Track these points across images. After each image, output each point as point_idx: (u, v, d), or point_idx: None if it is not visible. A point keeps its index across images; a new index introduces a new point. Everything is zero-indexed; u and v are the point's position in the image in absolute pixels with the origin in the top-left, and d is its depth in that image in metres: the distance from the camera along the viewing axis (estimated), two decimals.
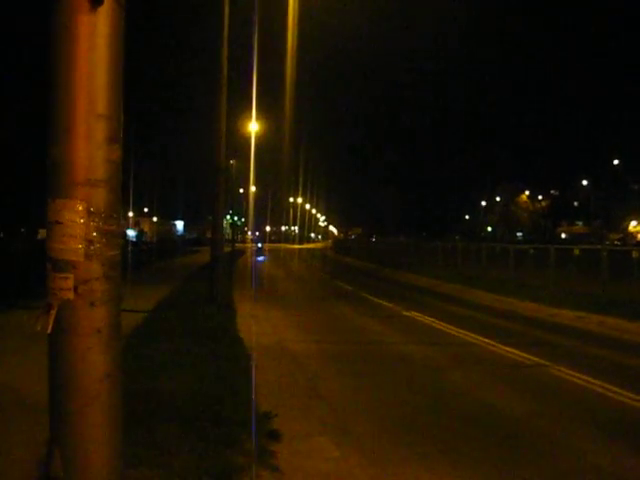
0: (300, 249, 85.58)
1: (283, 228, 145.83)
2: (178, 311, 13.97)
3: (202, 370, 8.41)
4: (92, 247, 2.50)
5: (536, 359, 10.90)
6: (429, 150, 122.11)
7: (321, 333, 13.83)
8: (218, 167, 16.02)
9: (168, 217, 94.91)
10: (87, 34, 2.49)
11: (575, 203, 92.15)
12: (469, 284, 25.16)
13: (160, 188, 72.22)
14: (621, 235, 75.35)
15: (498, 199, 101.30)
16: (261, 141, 43.08)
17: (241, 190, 66.40)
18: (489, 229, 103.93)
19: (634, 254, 18.81)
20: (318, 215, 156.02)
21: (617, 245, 55.58)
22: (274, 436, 6.17)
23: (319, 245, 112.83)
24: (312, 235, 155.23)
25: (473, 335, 13.37)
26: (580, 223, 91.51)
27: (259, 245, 62.98)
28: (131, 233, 69.25)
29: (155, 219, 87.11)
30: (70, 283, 2.47)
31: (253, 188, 58.92)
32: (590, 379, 9.34)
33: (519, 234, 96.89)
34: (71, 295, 2.47)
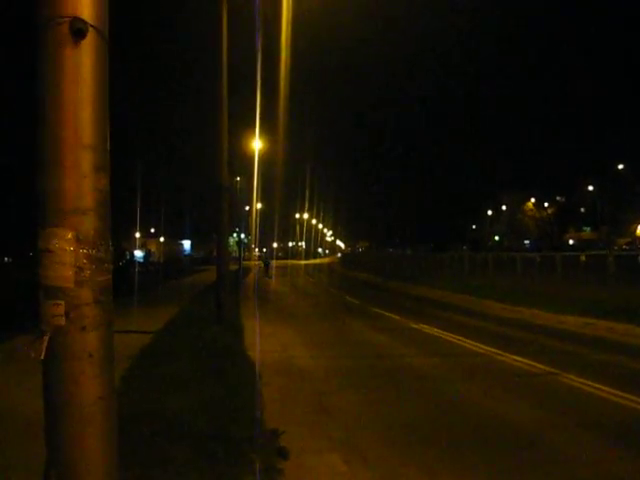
0: (307, 264, 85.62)
1: (290, 244, 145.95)
2: (186, 331, 13.98)
3: (210, 389, 8.41)
4: (82, 274, 2.55)
5: (545, 367, 10.85)
6: (434, 161, 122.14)
7: (329, 348, 13.81)
8: (221, 186, 16.07)
9: (175, 237, 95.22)
10: (71, 67, 2.55)
11: (582, 209, 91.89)
12: (477, 294, 25.13)
13: (167, 208, 72.60)
14: (629, 239, 75.08)
15: (504, 208, 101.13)
16: (266, 158, 43.29)
17: (247, 207, 66.60)
18: (496, 238, 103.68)
19: None
20: (325, 230, 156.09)
21: (625, 249, 55.40)
22: (282, 453, 6.16)
23: (326, 260, 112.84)
24: (319, 250, 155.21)
25: (481, 345, 13.34)
26: (588, 229, 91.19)
27: (266, 263, 53.37)
28: (138, 254, 69.45)
29: (162, 239, 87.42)
30: (61, 309, 2.52)
31: (259, 205, 59.06)
32: (601, 386, 9.30)
33: (526, 242, 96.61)
34: (63, 321, 2.52)
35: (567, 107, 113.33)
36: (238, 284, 31.11)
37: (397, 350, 13.66)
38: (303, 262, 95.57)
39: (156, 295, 28.44)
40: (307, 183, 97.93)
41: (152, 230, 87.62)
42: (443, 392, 9.43)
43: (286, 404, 8.48)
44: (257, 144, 38.51)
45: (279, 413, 7.82)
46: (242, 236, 58.81)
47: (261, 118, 29.67)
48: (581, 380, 9.75)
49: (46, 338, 2.47)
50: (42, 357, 2.49)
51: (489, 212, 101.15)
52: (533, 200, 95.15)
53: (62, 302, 2.52)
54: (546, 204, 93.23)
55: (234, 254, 59.11)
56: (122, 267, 35.46)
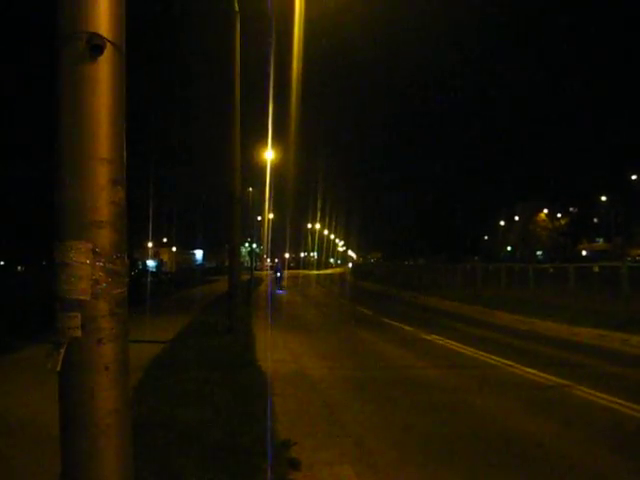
0: (318, 274, 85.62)
1: (302, 254, 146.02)
2: (197, 341, 14.01)
3: (221, 399, 8.42)
4: (98, 286, 2.58)
5: (558, 380, 10.78)
6: (447, 171, 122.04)
7: (340, 359, 13.79)
8: (233, 196, 16.15)
9: (187, 247, 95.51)
10: (89, 82, 2.59)
11: (595, 220, 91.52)
12: (489, 305, 25.02)
13: (179, 218, 72.89)
14: None
15: (517, 218, 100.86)
16: (278, 168, 43.43)
17: (259, 218, 66.80)
18: (509, 249, 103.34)
19: None
20: (337, 240, 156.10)
21: (639, 260, 55.02)
22: (294, 464, 6.15)
23: (338, 270, 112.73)
24: (331, 260, 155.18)
25: (494, 357, 13.27)
26: (600, 240, 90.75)
27: (278, 274, 49.06)
28: (151, 263, 69.68)
29: (174, 249, 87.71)
30: (77, 321, 2.55)
31: (271, 215, 59.16)
32: (614, 399, 9.22)
33: (539, 253, 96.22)
34: (79, 333, 2.55)
35: (582, 119, 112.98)
36: (250, 294, 31.14)
37: (409, 361, 13.63)
38: (315, 272, 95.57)
39: (168, 304, 28.52)
40: (319, 193, 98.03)
41: (164, 240, 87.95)
42: (456, 404, 9.38)
43: (298, 415, 8.45)
44: (269, 154, 38.67)
45: (291, 424, 7.80)
46: (254, 246, 58.92)
47: (273, 129, 29.80)
48: (595, 392, 9.68)
49: (62, 350, 2.50)
50: (58, 369, 2.52)
51: (502, 223, 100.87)
52: (546, 211, 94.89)
53: (78, 314, 2.54)
54: (559, 215, 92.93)
55: (246, 264, 59.17)
56: (134, 277, 35.61)
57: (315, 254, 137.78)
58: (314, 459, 6.47)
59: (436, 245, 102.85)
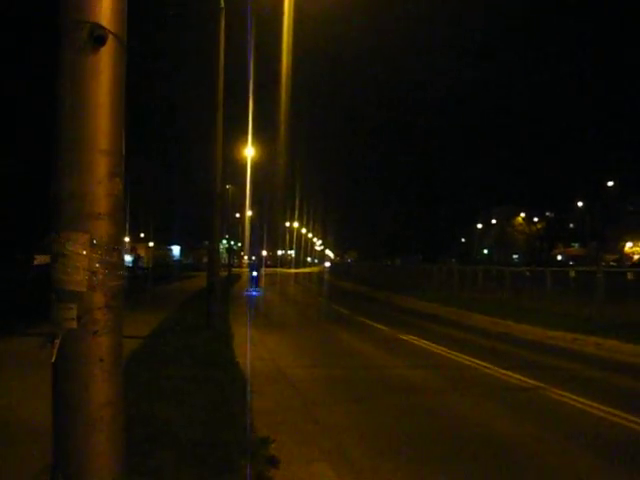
0: (297, 273, 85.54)
1: (279, 252, 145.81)
2: (175, 337, 13.95)
3: (199, 396, 8.40)
4: (95, 278, 2.57)
5: (534, 382, 10.89)
6: (425, 173, 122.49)
7: (318, 358, 13.82)
8: (214, 193, 16.10)
9: (164, 242, 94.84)
10: (90, 72, 2.57)
11: (571, 225, 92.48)
12: (465, 307, 25.20)
13: (156, 214, 72.35)
14: (617, 256, 75.52)
15: (494, 221, 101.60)
16: (258, 166, 43.35)
17: (237, 215, 66.54)
18: (485, 251, 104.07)
19: (629, 276, 18.85)
20: (314, 239, 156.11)
21: (613, 266, 55.73)
22: (272, 462, 6.15)
23: (315, 269, 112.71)
24: (308, 259, 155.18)
25: (470, 358, 13.37)
26: (576, 245, 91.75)
27: (254, 274, 40.87)
28: (127, 258, 69.16)
29: (151, 244, 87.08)
30: (73, 313, 2.53)
31: (249, 212, 59.02)
32: (588, 402, 9.33)
33: (515, 256, 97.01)
34: (74, 325, 2.53)
35: (558, 124, 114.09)
36: (228, 291, 31.05)
37: (386, 361, 13.69)
38: (293, 271, 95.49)
39: (145, 300, 28.30)
40: (297, 191, 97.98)
41: (141, 235, 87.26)
42: (433, 404, 9.46)
43: (276, 413, 8.45)
44: (250, 152, 38.59)
45: (269, 422, 7.79)
46: (232, 243, 58.76)
47: (258, 127, 29.80)
48: (570, 395, 9.78)
49: (57, 341, 2.48)
50: (53, 360, 2.50)
51: (479, 226, 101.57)
52: (523, 215, 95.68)
53: (74, 306, 2.53)
54: (536, 219, 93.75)
55: (224, 261, 59.00)
56: None
57: (293, 252, 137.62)
58: (293, 456, 6.49)
59: (412, 246, 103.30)
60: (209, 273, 16.85)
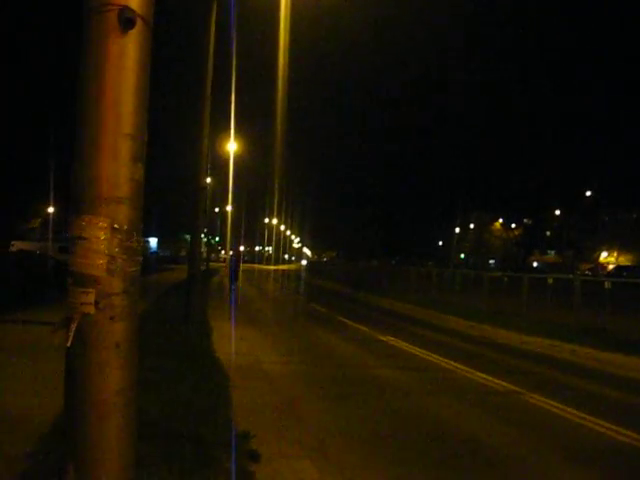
0: (275, 270, 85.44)
1: (257, 248, 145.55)
2: (153, 329, 13.84)
3: (179, 389, 8.37)
4: (114, 263, 2.54)
5: (510, 386, 10.99)
6: (405, 176, 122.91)
7: (297, 355, 13.82)
8: (197, 185, 16.01)
9: (141, 234, 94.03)
10: (117, 55, 2.55)
11: (547, 233, 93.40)
12: (443, 310, 25.33)
13: None
14: (592, 265, 76.42)
15: (472, 226, 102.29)
16: (239, 160, 43.19)
17: (216, 209, 66.22)
18: (462, 256, 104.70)
19: (606, 284, 19.07)
20: (292, 237, 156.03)
21: (588, 275, 56.37)
22: (253, 456, 6.15)
23: (293, 267, 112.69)
24: (286, 256, 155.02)
25: (447, 361, 13.45)
26: (552, 252, 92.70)
27: (233, 268, 37.39)
28: None
29: None
30: (91, 297, 2.50)
31: (229, 207, 58.80)
32: (564, 407, 9.45)
33: (491, 261, 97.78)
34: (92, 309, 2.50)
35: (537, 131, 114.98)
36: (206, 284, 30.93)
37: (364, 360, 13.73)
38: (271, 267, 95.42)
39: None
40: (276, 188, 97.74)
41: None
42: (412, 405, 9.52)
43: (255, 408, 8.45)
44: (232, 146, 38.43)
45: (249, 417, 7.78)
46: (209, 237, 58.40)
47: (236, 120, 29.68)
48: (545, 400, 9.90)
49: (74, 326, 2.44)
50: (68, 344, 2.46)
51: (457, 230, 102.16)
52: (501, 221, 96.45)
53: (92, 290, 2.49)
54: (513, 225, 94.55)
55: (204, 255, 58.65)
56: None
57: (270, 249, 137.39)
58: (273, 452, 6.49)
59: (390, 248, 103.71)
60: (190, 266, 16.77)
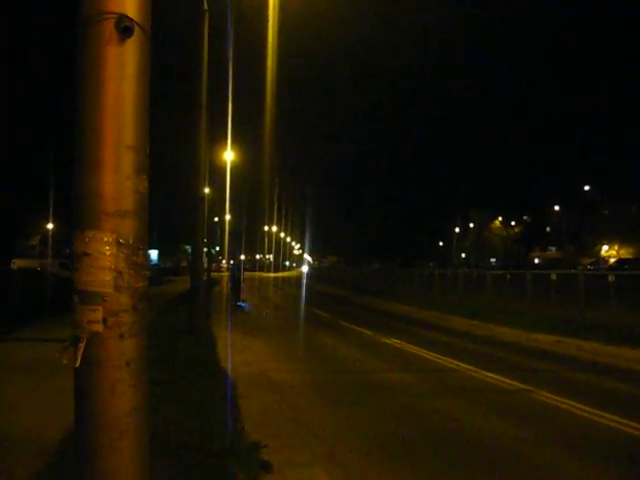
0: (275, 277, 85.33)
1: (258, 256, 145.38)
2: (158, 341, 13.77)
3: (187, 401, 8.31)
4: (121, 279, 2.47)
5: (518, 384, 10.93)
6: (404, 178, 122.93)
7: (302, 362, 13.76)
8: (197, 196, 15.98)
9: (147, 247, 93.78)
10: (115, 65, 2.49)
11: (547, 229, 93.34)
12: (447, 310, 25.27)
13: None
14: (593, 260, 76.31)
15: (472, 225, 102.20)
16: (237, 170, 43.17)
17: (216, 219, 66.14)
18: (463, 255, 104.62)
19: (610, 278, 19.02)
20: (293, 243, 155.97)
21: (590, 269, 56.30)
22: (265, 467, 6.09)
23: (294, 273, 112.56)
24: (287, 263, 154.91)
25: (454, 361, 13.40)
26: (553, 248, 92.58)
27: (235, 279, 32.84)
28: None
29: None
30: (99, 315, 2.43)
31: (228, 216, 58.76)
32: (573, 402, 9.40)
33: (493, 260, 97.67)
34: (100, 327, 2.43)
35: (536, 128, 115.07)
36: (208, 295, 30.83)
37: (371, 365, 13.67)
38: (272, 275, 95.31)
39: None
40: (276, 195, 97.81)
41: None
42: (420, 407, 9.45)
43: (264, 417, 8.39)
44: (229, 155, 38.42)
45: (258, 426, 7.71)
46: (210, 247, 58.28)
47: (234, 129, 29.67)
48: (554, 397, 9.84)
49: (82, 345, 2.37)
50: (77, 364, 2.39)
51: (457, 230, 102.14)
52: (500, 219, 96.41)
53: (99, 308, 2.43)
54: (513, 223, 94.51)
55: (205, 265, 58.37)
56: None
57: (271, 256, 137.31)
58: (285, 461, 6.43)
59: (392, 250, 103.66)
60: (192, 277, 16.72)
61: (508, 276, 27.28)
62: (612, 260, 72.07)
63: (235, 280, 32.20)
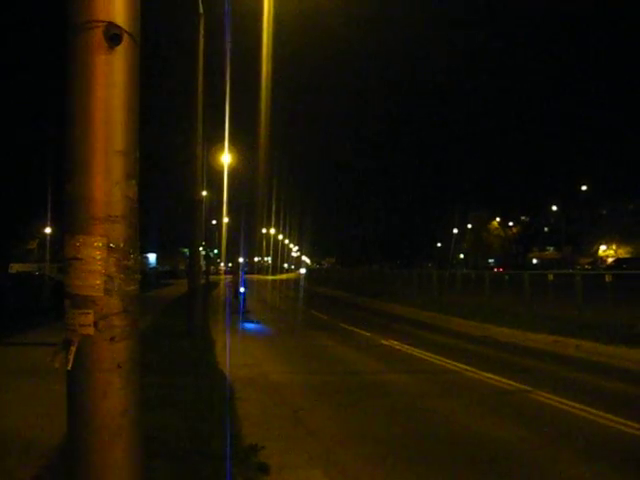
0: (274, 280, 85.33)
1: (256, 259, 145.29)
2: (156, 344, 13.81)
3: (185, 404, 8.33)
4: (112, 283, 2.49)
5: (517, 385, 10.95)
6: (402, 179, 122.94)
7: (301, 364, 13.78)
8: (194, 199, 16.01)
9: (141, 250, 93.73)
10: (104, 72, 2.51)
11: (545, 229, 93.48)
12: (445, 311, 25.29)
13: None
14: (591, 259, 76.41)
15: (470, 226, 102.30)
16: (235, 172, 43.17)
17: (214, 222, 66.18)
18: (461, 256, 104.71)
19: (607, 278, 19.04)
20: (291, 245, 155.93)
21: (587, 269, 56.37)
22: (263, 469, 6.11)
23: (292, 275, 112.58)
24: (285, 265, 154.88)
25: (452, 362, 13.42)
26: (551, 248, 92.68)
27: (241, 290, 26.74)
28: None
29: None
30: (90, 319, 2.46)
31: (226, 219, 58.77)
32: (572, 403, 9.42)
33: (491, 260, 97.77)
34: (91, 331, 2.46)
35: (534, 128, 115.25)
36: (206, 298, 30.85)
37: (369, 366, 13.68)
38: (270, 277, 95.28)
39: None
40: (274, 197, 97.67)
41: None
42: (419, 408, 9.46)
43: (263, 420, 8.40)
44: (226, 158, 38.42)
45: (256, 429, 7.74)
46: (208, 250, 58.30)
47: (231, 132, 29.68)
48: (553, 397, 9.86)
49: (74, 348, 2.39)
50: (69, 368, 2.41)
51: (455, 230, 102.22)
52: (498, 219, 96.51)
53: (91, 311, 2.45)
54: (511, 223, 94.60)
55: (203, 268, 58.47)
56: None
57: (269, 259, 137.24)
58: (283, 463, 6.44)
59: (390, 251, 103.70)
60: (190, 280, 16.75)
61: (506, 277, 27.32)
62: (610, 260, 72.18)
63: (241, 290, 26.76)
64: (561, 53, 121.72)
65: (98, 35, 2.48)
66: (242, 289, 26.19)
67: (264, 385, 10.96)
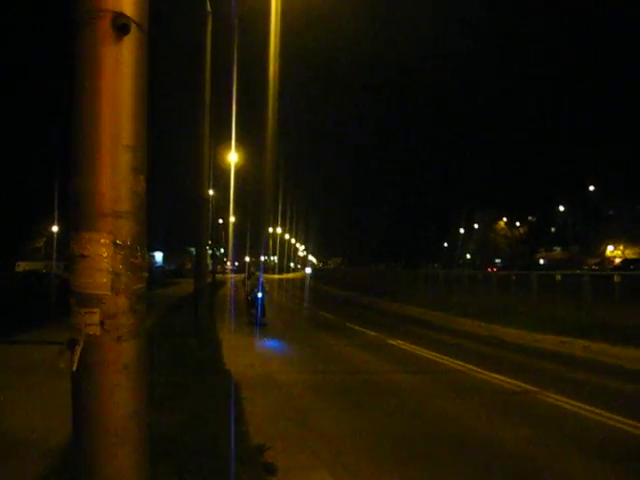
0: (280, 279, 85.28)
1: (262, 258, 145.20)
2: (163, 344, 13.77)
3: (192, 404, 8.29)
4: (118, 281, 2.42)
5: (524, 385, 10.89)
6: (409, 179, 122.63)
7: (307, 364, 13.74)
8: (201, 198, 15.97)
9: (147, 247, 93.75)
10: (112, 63, 2.45)
11: (552, 229, 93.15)
12: (452, 311, 25.20)
13: None
14: (599, 260, 76.06)
15: (476, 226, 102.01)
16: (242, 171, 43.15)
17: (220, 220, 66.16)
18: (468, 256, 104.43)
19: (615, 278, 18.94)
20: (297, 245, 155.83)
21: (595, 269, 56.13)
22: (270, 469, 6.07)
23: (299, 275, 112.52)
24: (291, 265, 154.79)
25: (459, 362, 13.36)
26: (558, 249, 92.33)
27: (259, 295, 22.05)
28: None
29: None
30: (96, 318, 2.39)
31: (232, 218, 58.74)
32: (579, 404, 9.36)
33: (497, 261, 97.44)
34: (97, 330, 2.39)
35: (540, 128, 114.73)
36: (213, 297, 30.84)
37: (376, 366, 13.63)
38: (277, 276, 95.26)
39: None
40: (280, 197, 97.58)
41: None
42: (426, 409, 9.42)
43: (269, 420, 8.37)
44: (233, 157, 38.40)
45: (263, 429, 7.70)
46: (215, 249, 58.30)
47: (238, 130, 29.63)
48: (560, 398, 9.81)
49: (79, 348, 2.33)
50: (74, 368, 2.35)
51: (461, 230, 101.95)
52: (505, 219, 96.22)
53: (97, 310, 2.39)
54: (518, 223, 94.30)
55: (210, 267, 58.41)
56: None
57: (275, 258, 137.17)
58: (290, 464, 6.41)
59: (396, 252, 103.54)
60: (196, 280, 16.71)
61: (513, 277, 27.19)
62: (617, 260, 71.85)
63: (259, 295, 22.43)
64: (573, 56, 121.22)
65: (105, 25, 2.42)
66: (260, 294, 22.28)
67: (271, 385, 10.93)
